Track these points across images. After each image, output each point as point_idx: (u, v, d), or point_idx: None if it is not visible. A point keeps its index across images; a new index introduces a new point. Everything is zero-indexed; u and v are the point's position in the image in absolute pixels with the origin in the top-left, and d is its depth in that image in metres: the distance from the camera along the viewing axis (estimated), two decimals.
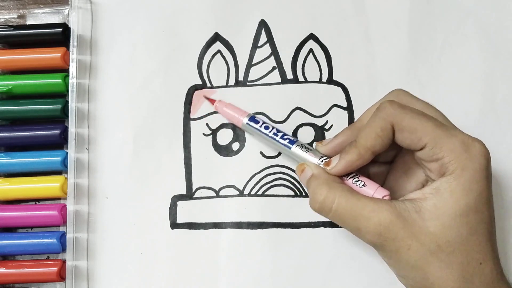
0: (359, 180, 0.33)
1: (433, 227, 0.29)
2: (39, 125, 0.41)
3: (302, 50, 0.42)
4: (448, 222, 0.29)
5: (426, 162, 0.31)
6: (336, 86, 0.41)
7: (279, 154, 0.41)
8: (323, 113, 0.41)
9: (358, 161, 0.32)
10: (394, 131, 0.31)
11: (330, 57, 0.42)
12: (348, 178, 0.33)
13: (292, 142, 0.37)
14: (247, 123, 0.39)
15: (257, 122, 0.38)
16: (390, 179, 0.35)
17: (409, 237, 0.29)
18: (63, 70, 0.42)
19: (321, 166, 0.34)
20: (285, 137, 0.37)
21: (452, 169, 0.29)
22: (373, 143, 0.31)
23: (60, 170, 0.41)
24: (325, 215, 0.32)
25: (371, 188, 0.32)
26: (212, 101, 0.41)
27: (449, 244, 0.29)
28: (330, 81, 0.41)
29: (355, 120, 0.41)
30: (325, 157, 0.35)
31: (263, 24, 0.42)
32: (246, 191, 0.40)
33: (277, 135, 0.37)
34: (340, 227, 0.39)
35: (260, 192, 0.40)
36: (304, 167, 0.35)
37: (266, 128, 0.38)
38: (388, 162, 0.36)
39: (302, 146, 0.36)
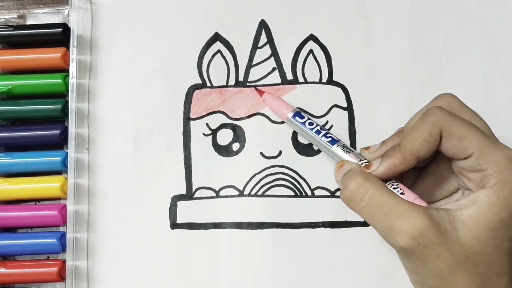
0: (397, 187, 0.32)
1: (464, 238, 0.28)
2: (39, 125, 0.41)
3: (302, 51, 0.42)
4: (479, 235, 0.28)
5: (467, 172, 0.30)
6: (336, 87, 0.41)
7: (279, 154, 0.41)
8: (323, 113, 0.41)
9: (401, 165, 0.31)
10: (441, 138, 0.30)
11: (330, 58, 0.42)
12: (386, 184, 0.32)
13: (334, 142, 0.36)
14: (291, 118, 0.38)
15: (302, 117, 0.38)
16: (418, 184, 0.35)
17: (441, 246, 0.28)
18: (63, 70, 0.42)
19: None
20: (328, 135, 0.37)
21: (494, 182, 0.29)
22: (419, 148, 0.30)
23: (60, 170, 0.41)
24: (354, 207, 0.31)
25: (409, 198, 0.31)
26: (260, 92, 0.41)
27: (476, 255, 0.28)
28: (330, 81, 0.41)
29: (355, 120, 0.41)
30: (366, 160, 0.34)
31: (263, 25, 0.42)
32: (246, 191, 0.40)
33: (320, 133, 0.37)
34: (341, 227, 0.39)
35: (260, 193, 0.40)
36: (343, 163, 0.34)
37: (311, 124, 0.38)
38: (419, 167, 0.35)
39: (343, 146, 0.36)
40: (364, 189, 0.30)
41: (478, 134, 0.29)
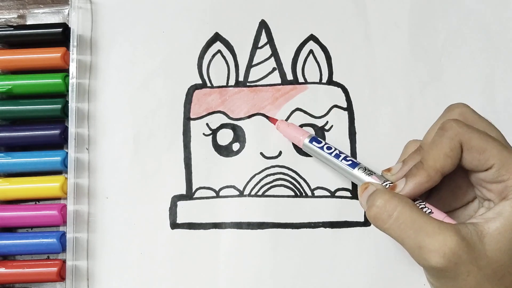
0: (425, 207, 0.31)
1: (490, 252, 0.28)
2: (39, 125, 0.41)
3: (302, 51, 0.42)
4: (505, 247, 0.28)
5: (488, 183, 0.30)
6: (336, 87, 0.41)
7: (279, 154, 0.41)
8: (323, 113, 0.41)
9: (427, 183, 0.30)
10: (461, 151, 0.29)
11: (330, 58, 0.42)
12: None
13: (354, 165, 0.35)
14: (308, 143, 0.38)
15: (319, 142, 0.38)
16: (434, 195, 0.34)
17: (471, 262, 0.28)
18: (63, 70, 0.42)
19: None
20: (347, 159, 0.36)
21: None
22: (442, 164, 0.29)
23: (60, 170, 0.41)
24: (382, 225, 0.30)
25: (438, 217, 0.30)
26: (273, 120, 0.40)
27: (501, 268, 0.28)
28: (330, 82, 0.41)
29: (355, 121, 0.41)
30: (389, 182, 0.33)
31: (263, 25, 0.42)
32: (246, 192, 0.40)
33: (339, 157, 0.36)
34: (341, 227, 0.39)
35: (260, 193, 0.40)
36: (367, 185, 0.33)
37: (329, 148, 0.37)
38: None
39: (365, 169, 0.35)
40: (392, 206, 0.29)
41: (497, 145, 0.29)
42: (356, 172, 0.35)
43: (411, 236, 0.28)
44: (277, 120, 0.40)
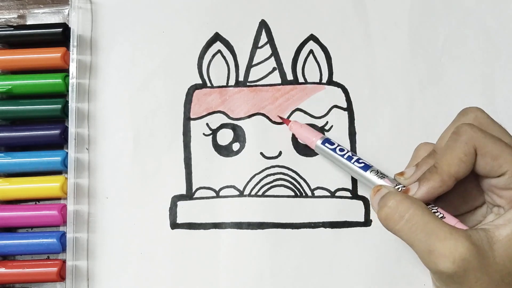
0: (437, 211, 0.31)
1: (499, 258, 0.28)
2: (39, 125, 0.41)
3: (302, 51, 0.42)
4: None
5: (499, 190, 0.30)
6: (336, 87, 0.41)
7: (280, 154, 0.41)
8: (323, 114, 0.41)
9: (440, 188, 0.30)
10: (475, 156, 0.29)
11: (330, 58, 0.42)
12: None
13: (367, 167, 0.35)
14: (321, 145, 0.38)
15: (332, 143, 0.38)
16: (442, 198, 0.33)
17: (480, 269, 0.27)
18: (63, 70, 0.42)
19: None
20: (360, 161, 0.36)
21: None
22: (456, 169, 0.29)
23: (60, 170, 0.41)
24: (393, 226, 0.29)
25: (450, 222, 0.30)
26: (287, 121, 0.40)
27: (509, 275, 0.28)
28: (330, 82, 0.41)
29: (355, 121, 0.41)
30: (402, 186, 0.32)
31: (263, 25, 0.42)
32: (246, 192, 0.40)
33: (351, 159, 0.36)
34: (341, 227, 0.39)
35: (260, 193, 0.40)
36: (380, 188, 0.32)
37: (341, 150, 0.37)
38: None
39: (377, 172, 0.35)
40: (405, 207, 0.29)
41: (510, 150, 0.29)
42: (368, 174, 0.35)
43: (421, 239, 0.28)
44: (290, 121, 0.40)
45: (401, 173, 0.33)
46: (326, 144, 0.38)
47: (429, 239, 0.28)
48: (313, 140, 0.38)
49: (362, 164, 0.36)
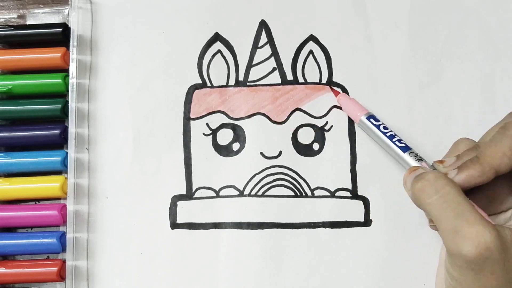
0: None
1: None
2: (39, 125, 0.41)
3: (302, 51, 0.42)
4: None
5: None
6: (336, 87, 0.41)
7: (280, 154, 0.41)
8: (323, 114, 0.41)
9: (479, 178, 0.29)
10: None
11: (330, 58, 0.42)
12: None
13: (406, 149, 0.35)
14: (366, 119, 0.38)
15: (377, 120, 0.38)
16: (469, 195, 0.32)
17: (499, 263, 0.27)
18: (63, 70, 0.42)
19: None
20: (401, 141, 0.36)
21: None
22: (498, 162, 0.29)
23: (60, 170, 0.41)
24: (425, 198, 0.29)
25: None
26: (336, 92, 0.40)
27: None
28: (330, 82, 0.41)
29: (355, 121, 0.41)
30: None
31: (263, 25, 0.42)
32: (246, 192, 0.40)
33: (393, 137, 0.37)
34: (341, 227, 0.39)
35: (260, 193, 0.40)
36: (417, 168, 0.33)
37: (385, 128, 0.37)
38: None
39: (416, 155, 0.35)
40: (442, 183, 0.29)
41: None
42: (406, 156, 0.35)
43: (450, 217, 0.28)
44: (339, 92, 0.40)
45: (441, 161, 0.33)
46: (371, 120, 0.38)
47: (458, 219, 0.28)
48: (358, 115, 0.39)
49: (403, 145, 0.36)
